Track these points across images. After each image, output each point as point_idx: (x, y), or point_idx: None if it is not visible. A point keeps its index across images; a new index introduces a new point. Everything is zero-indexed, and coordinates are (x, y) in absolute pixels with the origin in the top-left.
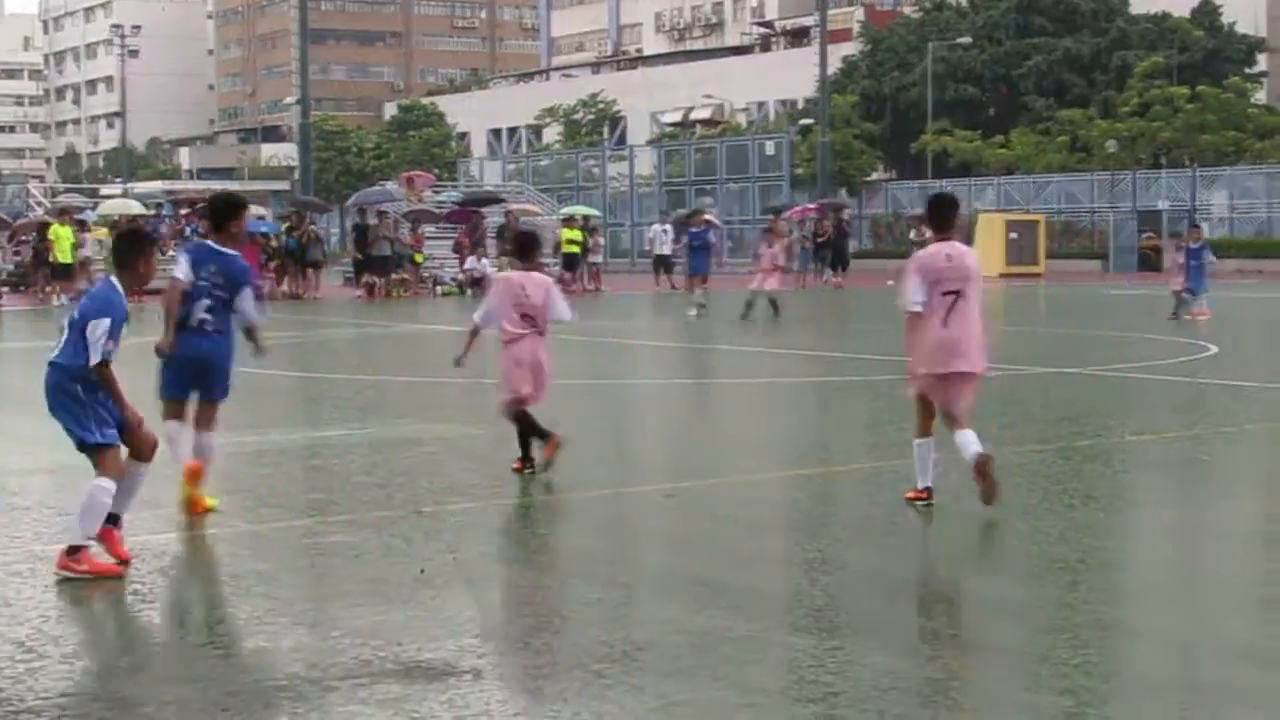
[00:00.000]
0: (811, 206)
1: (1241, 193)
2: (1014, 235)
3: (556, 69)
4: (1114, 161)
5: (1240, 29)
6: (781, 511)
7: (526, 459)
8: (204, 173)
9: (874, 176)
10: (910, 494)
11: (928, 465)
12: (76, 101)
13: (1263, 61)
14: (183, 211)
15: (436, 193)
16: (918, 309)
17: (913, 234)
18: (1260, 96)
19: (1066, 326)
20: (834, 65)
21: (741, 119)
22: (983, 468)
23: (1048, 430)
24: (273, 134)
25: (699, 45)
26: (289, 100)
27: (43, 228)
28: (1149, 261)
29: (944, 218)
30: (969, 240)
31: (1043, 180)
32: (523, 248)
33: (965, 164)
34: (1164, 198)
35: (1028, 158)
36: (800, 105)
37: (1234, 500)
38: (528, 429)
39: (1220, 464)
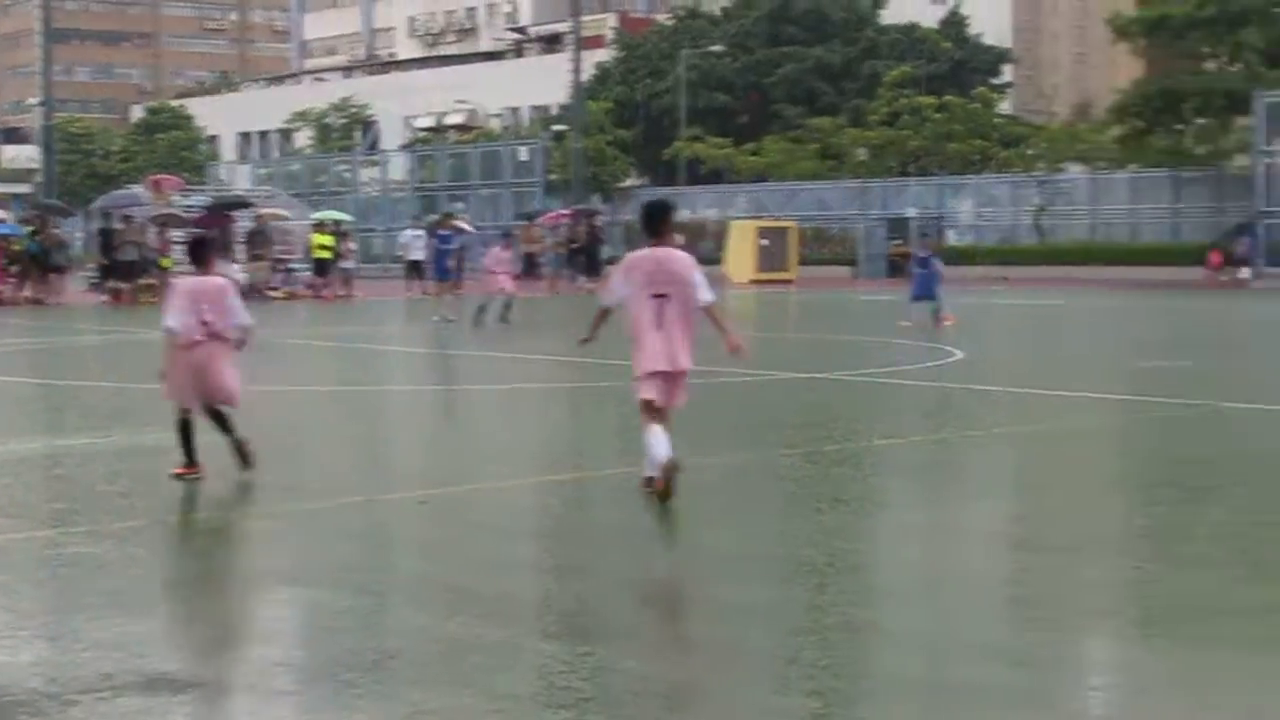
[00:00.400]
0: (565, 212)
1: (987, 200)
2: (765, 242)
3: (308, 72)
4: (864, 169)
5: (986, 40)
6: (533, 517)
7: (193, 463)
8: None
9: (627, 183)
10: (647, 480)
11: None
12: None
13: (1008, 72)
14: None
15: (185, 196)
16: (610, 304)
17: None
18: (1005, 106)
19: (816, 332)
20: (588, 72)
21: (495, 124)
22: (667, 474)
23: (795, 435)
24: (15, 135)
25: (452, 50)
26: (32, 101)
27: None
28: (898, 268)
29: (656, 223)
30: (719, 247)
31: (794, 188)
32: (195, 253)
33: (718, 171)
34: (912, 205)
35: (779, 165)
36: (554, 111)
37: (981, 502)
38: (213, 430)
39: (967, 467)
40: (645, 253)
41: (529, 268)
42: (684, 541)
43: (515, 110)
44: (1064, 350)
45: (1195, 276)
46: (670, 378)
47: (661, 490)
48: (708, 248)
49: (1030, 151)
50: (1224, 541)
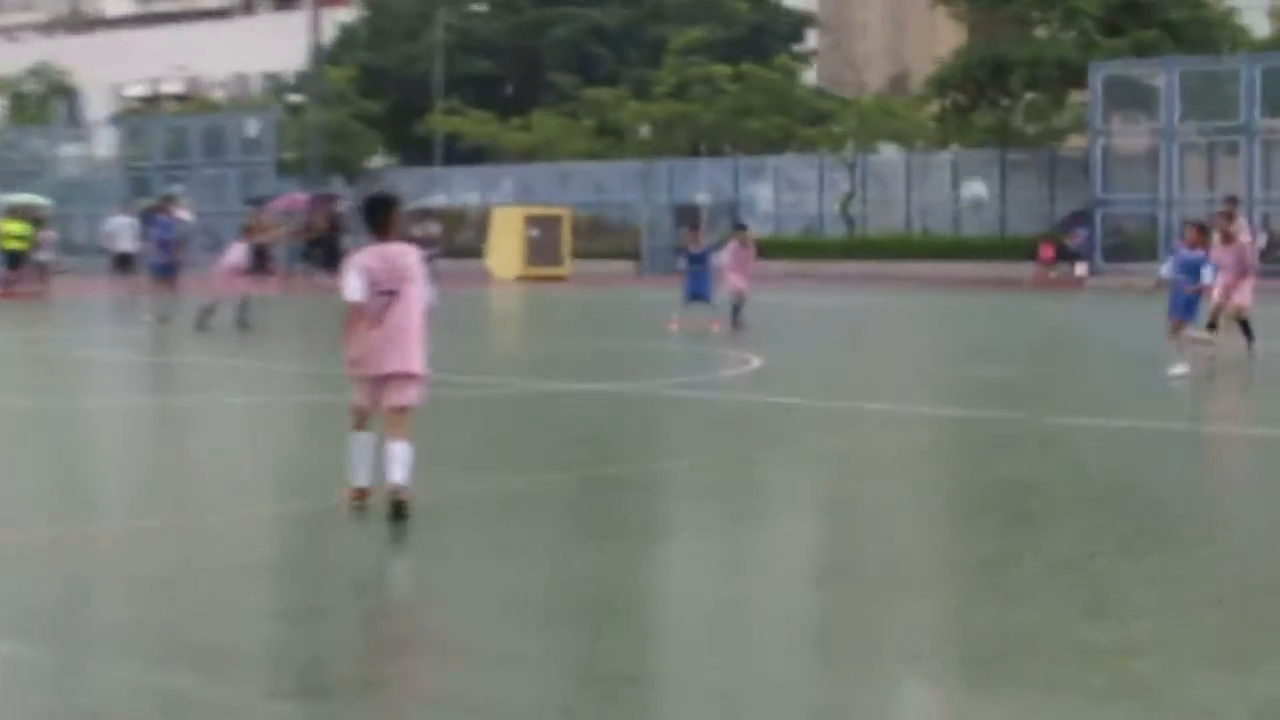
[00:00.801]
0: (301, 197)
1: (789, 185)
2: (535, 232)
3: None
4: (648, 149)
5: (788, 2)
6: (262, 553)
7: None
8: None
9: (375, 163)
10: (349, 492)
11: (364, 462)
12: None
13: (812, 39)
14: None
15: None
16: (356, 297)
17: (416, 230)
18: (810, 78)
19: (594, 337)
20: (329, 33)
21: (220, 94)
22: (397, 503)
23: (571, 455)
24: None
25: (170, 7)
26: None
27: None
28: None
29: (380, 218)
30: (481, 238)
31: (568, 169)
32: None
33: (480, 149)
34: (703, 190)
35: (551, 142)
36: (289, 79)
37: (782, 531)
38: None
39: (766, 491)
40: (373, 250)
41: (258, 261)
42: (441, 580)
43: (243, 77)
44: (875, 358)
45: (1025, 273)
46: (393, 380)
47: (355, 500)
48: (467, 239)
49: (838, 129)
50: (1056, 574)
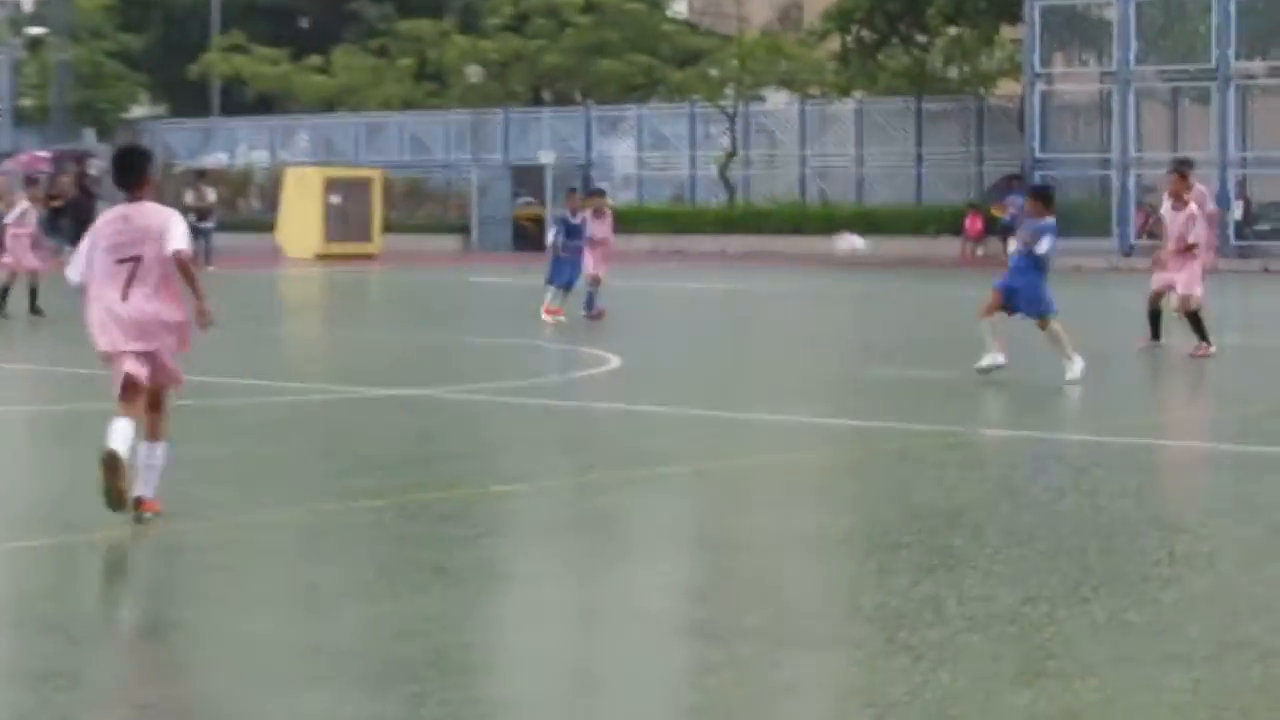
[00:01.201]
0: (44, 154)
1: (655, 142)
2: (337, 199)
3: None
4: (479, 96)
5: None
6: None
7: None
8: None
9: (137, 112)
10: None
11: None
12: None
13: None
14: None
15: None
16: (75, 278)
17: (189, 196)
18: (679, 9)
19: (412, 330)
20: None
21: None
22: (108, 465)
23: (386, 478)
24: None
25: None
26: None
27: None
28: (528, 237)
29: (129, 175)
30: (271, 206)
31: (379, 121)
32: None
33: (268, 96)
34: (548, 148)
35: (357, 89)
36: (27, 8)
37: (643, 572)
38: None
39: (624, 522)
40: (114, 212)
41: None
42: (227, 631)
43: None
44: (760, 357)
45: (947, 251)
46: (149, 357)
47: (109, 488)
48: (253, 208)
49: (715, 73)
50: (983, 626)
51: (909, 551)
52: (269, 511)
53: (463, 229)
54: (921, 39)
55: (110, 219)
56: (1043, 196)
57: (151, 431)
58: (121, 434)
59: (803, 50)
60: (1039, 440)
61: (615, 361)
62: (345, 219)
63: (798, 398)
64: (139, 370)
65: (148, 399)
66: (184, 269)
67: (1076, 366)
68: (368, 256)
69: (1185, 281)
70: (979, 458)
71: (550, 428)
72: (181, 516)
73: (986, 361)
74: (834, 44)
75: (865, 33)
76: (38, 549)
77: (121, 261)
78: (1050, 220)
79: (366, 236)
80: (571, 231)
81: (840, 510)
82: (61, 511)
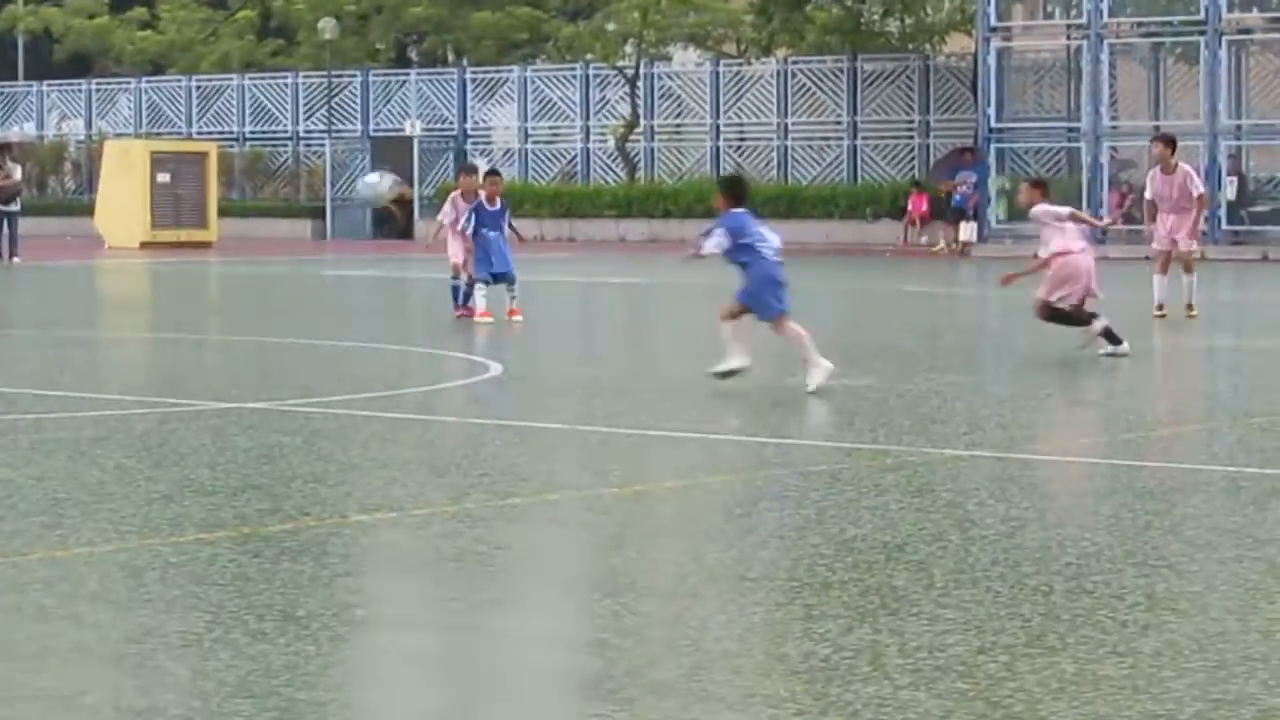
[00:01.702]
0: None
1: (541, 109)
2: (165, 177)
3: None
4: (333, 54)
5: None
6: None
7: None
8: None
9: None
10: None
11: None
12: None
13: None
14: None
15: None
16: None
17: None
18: None
19: (254, 331)
20: None
21: None
22: None
23: (223, 506)
24: None
25: None
26: None
27: None
28: (391, 222)
29: None
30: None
31: (215, 83)
32: None
33: (84, 55)
34: (415, 116)
35: (189, 46)
36: None
37: (527, 618)
38: None
39: (504, 558)
40: None
41: None
42: (24, 692)
43: None
44: (665, 361)
45: (888, 237)
46: None
47: None
48: (66, 188)
49: (612, 28)
50: (929, 680)
51: (842, 591)
52: (80, 547)
53: (315, 212)
54: None
55: None
56: (731, 188)
57: None
58: None
59: (716, 1)
60: (994, 460)
61: (495, 368)
62: (175, 201)
63: (707, 410)
64: None
65: None
66: None
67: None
68: (202, 244)
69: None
70: (923, 481)
71: (418, 447)
72: None
73: (723, 367)
74: None
75: None
76: None
77: None
78: (735, 212)
79: (201, 221)
80: (486, 220)
81: (760, 543)
82: None
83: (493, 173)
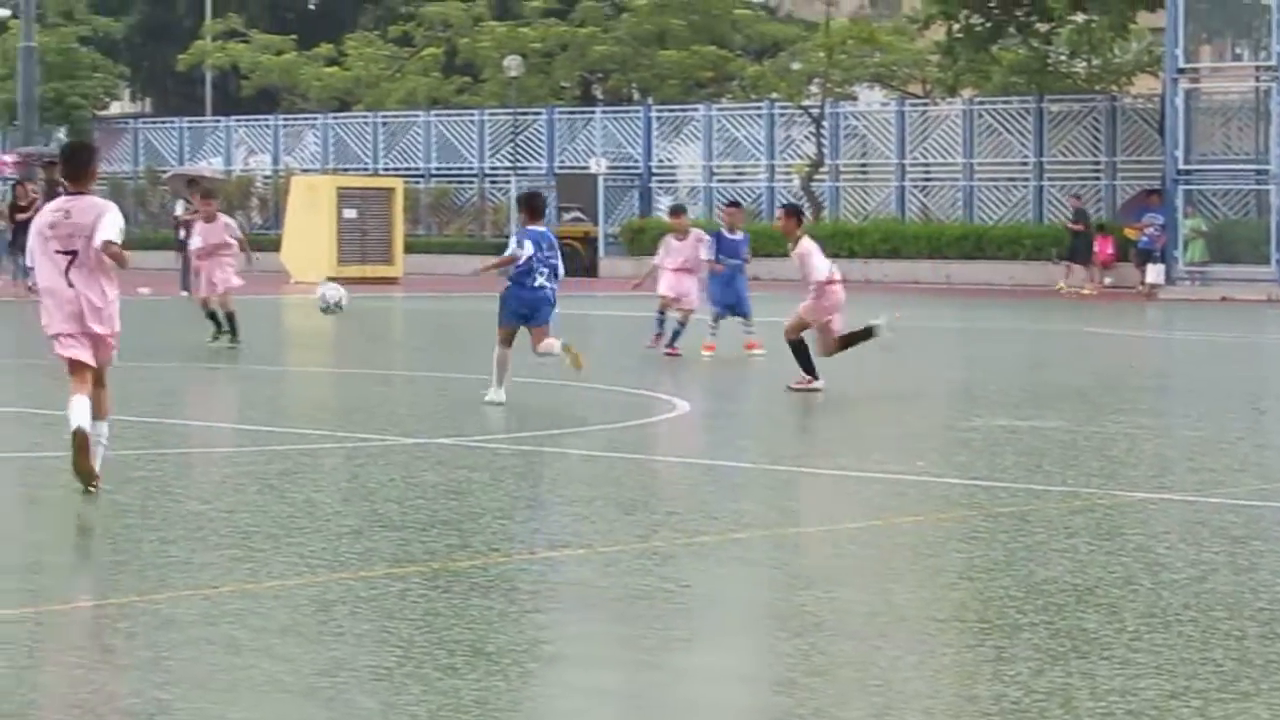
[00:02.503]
0: (8, 158)
1: (726, 147)
2: (352, 213)
3: None
4: (518, 93)
5: None
6: None
7: None
8: None
9: (115, 109)
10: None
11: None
12: None
13: None
14: None
15: None
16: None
17: (180, 209)
18: None
19: (439, 367)
20: None
21: None
22: (77, 446)
23: (411, 541)
24: None
25: None
26: None
27: None
28: (575, 258)
29: (74, 167)
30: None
31: (400, 121)
32: None
33: (270, 91)
34: (600, 154)
35: (375, 83)
36: None
37: (714, 656)
38: None
39: (696, 594)
40: (58, 203)
41: None
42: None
43: None
44: (851, 401)
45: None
46: (92, 339)
47: (78, 467)
48: (252, 223)
49: (797, 67)
50: None
51: (1032, 634)
52: (271, 580)
53: (499, 249)
54: (1042, 27)
55: (51, 209)
56: (530, 205)
57: (97, 410)
58: (80, 410)
59: (901, 40)
60: (1184, 504)
61: (683, 406)
62: (361, 236)
63: (894, 451)
64: (81, 352)
65: (80, 379)
66: (115, 259)
67: (498, 393)
68: (388, 280)
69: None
70: (1113, 524)
71: (606, 484)
72: (166, 585)
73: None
74: (938, 33)
75: (976, 19)
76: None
77: (60, 254)
78: (531, 228)
79: (387, 257)
80: (726, 248)
81: (949, 584)
82: (29, 583)
83: (733, 204)
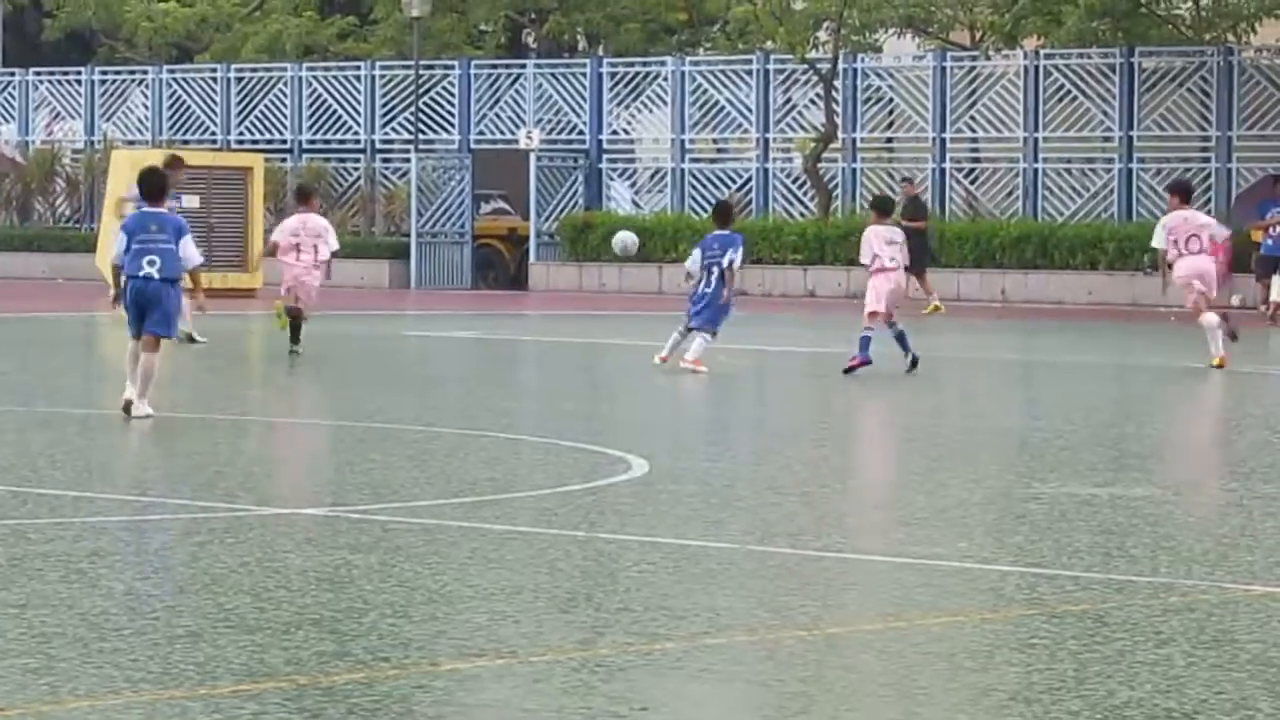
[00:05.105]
0: None
1: (704, 114)
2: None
3: None
4: (422, 39)
5: None
6: None
7: None
8: None
9: None
10: None
11: None
12: None
13: None
14: None
15: None
16: None
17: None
18: None
19: (314, 413)
20: None
21: None
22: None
23: (272, 646)
24: None
25: None
26: None
27: None
28: (496, 266)
29: None
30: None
31: (260, 75)
32: None
33: (83, 34)
34: (533, 123)
35: (227, 25)
36: None
37: None
38: None
39: (651, 719)
40: None
41: None
42: None
43: None
44: (867, 457)
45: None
46: None
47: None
48: (57, 211)
49: (801, 5)
50: None
51: None
52: (77, 700)
53: (395, 251)
54: None
55: None
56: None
57: None
58: None
59: None
60: None
61: (639, 465)
62: (208, 233)
63: (925, 526)
64: None
65: None
66: None
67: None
68: (244, 292)
69: None
70: (1220, 628)
71: (537, 570)
72: None
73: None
74: None
75: None
76: None
77: None
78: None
79: (241, 262)
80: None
81: (999, 708)
82: None
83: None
